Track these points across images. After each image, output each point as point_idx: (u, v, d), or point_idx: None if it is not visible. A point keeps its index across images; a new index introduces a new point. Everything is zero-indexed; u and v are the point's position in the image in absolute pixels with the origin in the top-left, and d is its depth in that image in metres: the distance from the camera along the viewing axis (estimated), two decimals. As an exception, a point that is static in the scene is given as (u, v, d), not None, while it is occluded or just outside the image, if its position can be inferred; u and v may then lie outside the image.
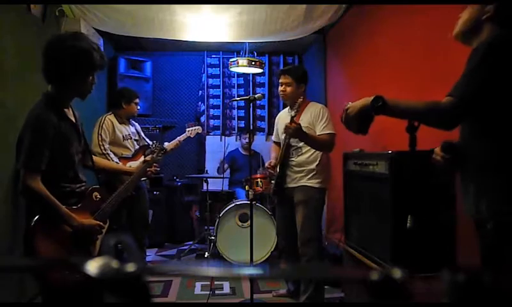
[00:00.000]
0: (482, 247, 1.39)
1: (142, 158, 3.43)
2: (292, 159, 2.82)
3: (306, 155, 2.79)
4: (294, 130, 2.58)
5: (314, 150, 2.78)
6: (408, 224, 1.47)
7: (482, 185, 1.36)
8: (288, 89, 2.82)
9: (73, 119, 1.93)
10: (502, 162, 1.31)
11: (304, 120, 2.76)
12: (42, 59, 1.79)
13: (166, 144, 3.62)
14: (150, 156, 2.71)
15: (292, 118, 2.59)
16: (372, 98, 1.37)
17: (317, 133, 2.74)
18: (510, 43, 1.29)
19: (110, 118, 3.27)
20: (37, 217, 1.71)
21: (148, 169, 2.71)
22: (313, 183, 2.78)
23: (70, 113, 1.92)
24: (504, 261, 1.27)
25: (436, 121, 1.39)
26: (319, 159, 2.79)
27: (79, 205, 1.87)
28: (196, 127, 3.75)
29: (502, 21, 1.38)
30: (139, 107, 3.50)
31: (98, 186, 2.01)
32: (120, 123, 3.33)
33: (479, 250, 1.42)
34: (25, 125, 1.77)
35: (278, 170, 2.84)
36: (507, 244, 1.28)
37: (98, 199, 1.96)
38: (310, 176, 2.78)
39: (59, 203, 1.75)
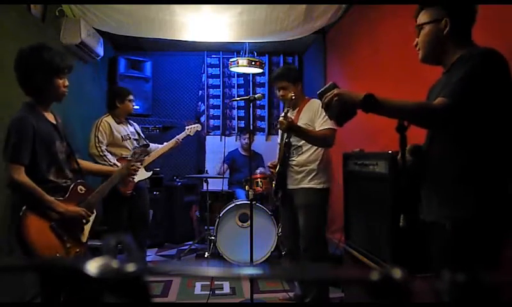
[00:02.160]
0: (439, 248, 1.44)
1: None
2: (293, 159, 2.72)
3: (307, 154, 2.70)
4: (287, 125, 2.55)
5: (315, 149, 2.70)
6: (401, 224, 1.48)
7: (447, 193, 1.40)
8: (288, 92, 2.76)
9: (54, 122, 2.09)
10: (470, 171, 1.35)
11: (304, 118, 2.71)
12: (15, 73, 1.98)
13: (164, 144, 3.63)
14: (131, 156, 2.75)
15: (285, 113, 2.55)
16: (364, 95, 1.36)
17: (316, 129, 2.65)
18: (498, 56, 1.32)
19: (107, 119, 3.27)
20: (24, 207, 1.85)
21: (129, 168, 2.69)
22: (315, 184, 2.67)
23: (50, 116, 2.09)
24: (461, 260, 1.33)
25: (427, 121, 1.40)
26: (320, 158, 2.69)
27: (66, 196, 2.03)
28: (196, 125, 3.76)
29: (460, 32, 1.43)
30: (134, 104, 3.48)
31: (82, 180, 2.16)
32: (118, 123, 3.33)
33: (434, 251, 1.47)
34: (8, 129, 1.93)
35: (278, 169, 2.78)
36: (464, 244, 1.34)
37: (83, 191, 2.11)
38: (311, 176, 2.68)
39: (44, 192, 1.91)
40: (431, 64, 1.55)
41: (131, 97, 3.41)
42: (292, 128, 2.60)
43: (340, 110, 1.43)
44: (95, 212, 2.16)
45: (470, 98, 1.29)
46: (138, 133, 3.54)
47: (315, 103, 2.71)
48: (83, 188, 2.12)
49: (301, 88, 2.81)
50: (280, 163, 2.79)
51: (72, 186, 2.08)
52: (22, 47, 2.00)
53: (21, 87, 2.00)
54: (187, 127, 3.71)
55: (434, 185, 1.46)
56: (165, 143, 3.62)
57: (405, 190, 1.64)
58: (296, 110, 2.80)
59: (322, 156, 2.70)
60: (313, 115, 2.68)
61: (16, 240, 1.86)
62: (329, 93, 1.43)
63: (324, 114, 2.53)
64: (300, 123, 2.69)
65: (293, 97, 2.70)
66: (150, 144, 3.64)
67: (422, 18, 1.50)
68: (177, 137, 3.60)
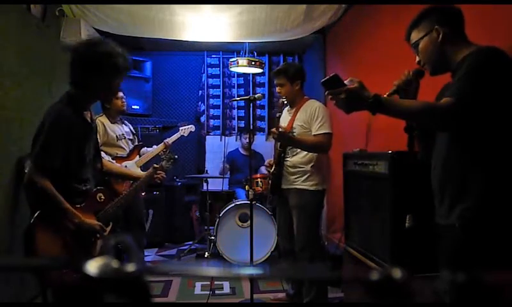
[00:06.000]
0: (449, 249, 1.43)
1: (137, 158, 3.44)
2: (287, 159, 2.74)
3: (301, 155, 2.70)
4: (278, 136, 2.57)
5: None
6: (407, 224, 1.47)
7: (456, 193, 1.39)
8: (283, 89, 2.75)
9: (89, 121, 1.94)
10: (479, 170, 1.34)
11: (299, 119, 2.71)
12: (69, 64, 1.81)
13: (153, 147, 3.61)
14: (160, 163, 2.56)
15: (278, 122, 2.57)
16: (371, 97, 1.35)
17: (313, 133, 2.65)
18: (503, 54, 1.32)
19: (101, 119, 3.24)
20: (38, 213, 1.72)
21: (155, 175, 2.50)
22: (308, 185, 2.67)
23: (87, 115, 1.93)
24: (472, 261, 1.31)
25: (434, 121, 1.39)
26: (314, 160, 2.69)
27: (82, 204, 1.85)
28: (189, 126, 3.79)
29: (454, 35, 1.43)
30: (124, 101, 3.37)
31: (103, 187, 2.00)
32: (112, 123, 3.31)
33: (443, 252, 1.46)
34: (44, 119, 1.76)
35: (273, 170, 2.81)
36: (474, 243, 1.32)
37: (102, 200, 1.95)
38: (304, 177, 2.68)
39: (64, 200, 1.74)
40: (442, 74, 1.53)
41: (119, 94, 3.29)
42: (284, 139, 2.63)
43: (346, 107, 1.41)
44: (111, 224, 1.97)
45: (475, 94, 1.28)
46: (133, 133, 3.53)
47: (312, 105, 2.72)
48: (102, 197, 1.95)
49: (300, 87, 2.78)
50: (275, 163, 2.81)
51: (91, 193, 1.92)
52: (82, 41, 1.85)
53: (71, 77, 1.83)
54: (180, 128, 3.73)
55: (443, 185, 1.45)
56: (154, 147, 3.60)
57: (411, 191, 1.63)
58: (293, 110, 2.80)
59: (316, 158, 2.69)
60: (309, 118, 2.67)
61: (24, 247, 1.73)
62: (338, 89, 1.39)
63: (320, 117, 2.63)
64: (296, 124, 2.70)
65: (284, 101, 2.73)
66: (142, 148, 3.62)
67: (415, 36, 1.51)
68: (166, 140, 3.59)
